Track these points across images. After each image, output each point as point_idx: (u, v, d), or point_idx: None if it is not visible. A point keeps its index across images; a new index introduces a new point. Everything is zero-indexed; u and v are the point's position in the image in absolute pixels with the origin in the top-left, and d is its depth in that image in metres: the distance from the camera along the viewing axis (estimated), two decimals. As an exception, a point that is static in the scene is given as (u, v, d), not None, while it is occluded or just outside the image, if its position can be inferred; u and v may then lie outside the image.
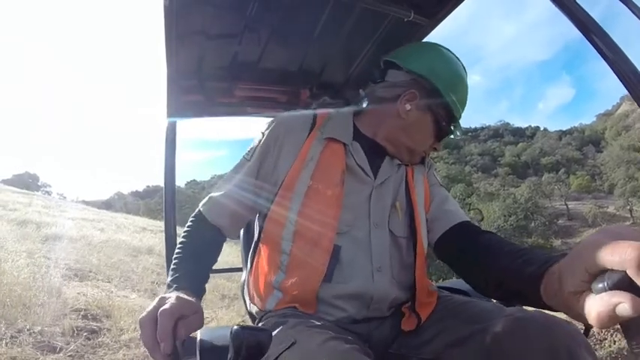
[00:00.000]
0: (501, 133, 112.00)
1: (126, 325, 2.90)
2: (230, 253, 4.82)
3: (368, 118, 0.89)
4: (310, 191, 0.78)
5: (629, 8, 0.70)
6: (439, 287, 0.94)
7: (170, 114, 1.38)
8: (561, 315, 0.52)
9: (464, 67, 0.88)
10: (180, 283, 0.68)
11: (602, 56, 0.63)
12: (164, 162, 1.39)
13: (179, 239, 0.82)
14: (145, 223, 12.32)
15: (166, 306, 0.55)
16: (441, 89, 0.82)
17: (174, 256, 0.76)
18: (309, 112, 0.89)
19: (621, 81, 0.61)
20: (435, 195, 0.92)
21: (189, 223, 0.85)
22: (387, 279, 0.78)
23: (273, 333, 0.61)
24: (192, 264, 0.75)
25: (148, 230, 10.28)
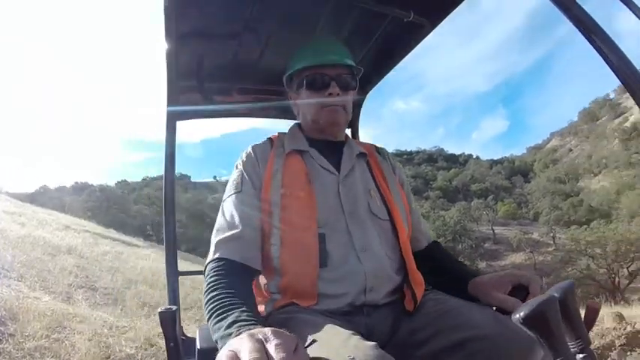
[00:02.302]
0: (435, 158, 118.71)
1: (33, 331, 2.56)
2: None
3: (304, 125, 1.03)
4: (284, 198, 0.87)
5: (629, 8, 0.70)
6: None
7: (170, 114, 1.38)
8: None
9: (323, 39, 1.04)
10: (249, 322, 0.59)
11: (601, 56, 0.63)
12: (164, 162, 1.38)
13: (207, 295, 0.71)
14: (68, 221, 11.04)
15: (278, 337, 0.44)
16: (292, 68, 0.99)
17: (210, 310, 0.66)
18: (265, 139, 1.03)
19: (621, 81, 0.62)
20: (413, 214, 1.03)
21: (213, 276, 0.75)
22: (377, 257, 0.85)
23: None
24: (244, 306, 0.65)
25: (72, 229, 9.18)
